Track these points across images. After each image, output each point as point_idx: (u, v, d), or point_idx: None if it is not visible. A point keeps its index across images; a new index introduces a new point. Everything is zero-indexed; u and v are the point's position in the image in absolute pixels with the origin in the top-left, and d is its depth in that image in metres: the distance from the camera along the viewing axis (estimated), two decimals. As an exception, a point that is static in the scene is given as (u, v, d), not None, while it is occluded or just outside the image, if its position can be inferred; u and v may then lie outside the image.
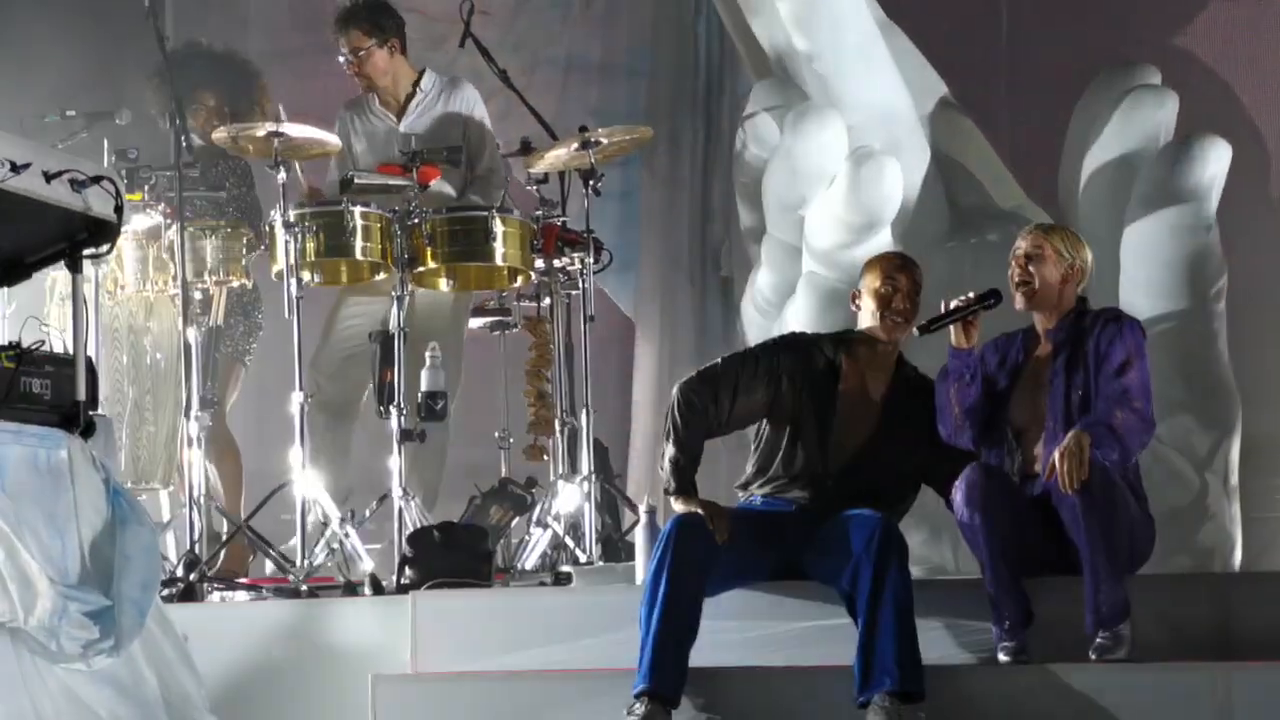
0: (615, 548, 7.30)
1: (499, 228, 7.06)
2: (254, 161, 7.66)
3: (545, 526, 7.15)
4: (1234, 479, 6.79)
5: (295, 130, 7.07)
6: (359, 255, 7.04)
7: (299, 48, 9.46)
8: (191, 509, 7.07)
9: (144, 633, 5.41)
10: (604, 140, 7.23)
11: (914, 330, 5.93)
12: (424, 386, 7.09)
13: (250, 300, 7.80)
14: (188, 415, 7.13)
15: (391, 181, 7.23)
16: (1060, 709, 5.55)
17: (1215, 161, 6.84)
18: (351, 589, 6.75)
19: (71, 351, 5.46)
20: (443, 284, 7.35)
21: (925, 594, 5.72)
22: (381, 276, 7.23)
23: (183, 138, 7.21)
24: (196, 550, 6.99)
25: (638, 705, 5.54)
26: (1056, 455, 5.57)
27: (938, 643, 5.79)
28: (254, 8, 9.78)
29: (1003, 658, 5.69)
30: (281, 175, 6.98)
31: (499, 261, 7.13)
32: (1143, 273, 6.84)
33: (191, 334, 7.14)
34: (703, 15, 9.01)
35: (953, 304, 5.87)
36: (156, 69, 7.58)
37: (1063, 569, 5.69)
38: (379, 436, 7.17)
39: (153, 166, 7.27)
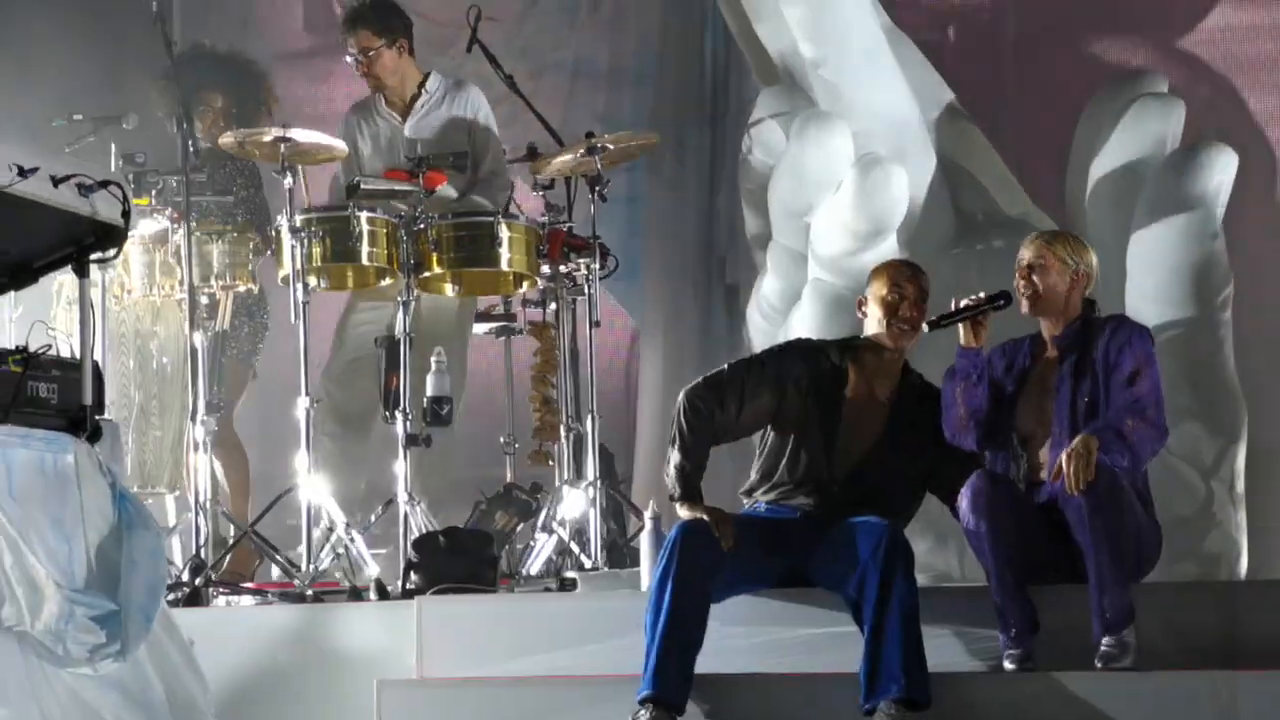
0: (620, 553, 7.30)
1: (505, 233, 7.06)
2: (261, 165, 7.68)
3: (550, 532, 7.15)
4: (1240, 486, 6.79)
5: (302, 135, 7.07)
6: (365, 260, 7.03)
7: (309, 49, 9.48)
8: (197, 513, 7.07)
9: (150, 637, 5.41)
10: (610, 146, 7.23)
11: (924, 325, 5.93)
12: (429, 392, 7.09)
13: (255, 304, 7.80)
14: (194, 420, 7.13)
15: (397, 187, 7.23)
16: (1065, 716, 5.56)
17: (1222, 169, 6.85)
18: (357, 594, 6.75)
19: (78, 356, 5.46)
20: (448, 289, 7.35)
21: (931, 601, 5.72)
22: (387, 282, 7.22)
23: (189, 142, 7.22)
24: (202, 555, 6.99)
25: (643, 711, 5.54)
26: (1064, 457, 5.57)
27: (943, 650, 5.78)
28: (264, 10, 9.79)
29: (1008, 665, 5.69)
30: (288, 180, 6.98)
31: (505, 267, 7.13)
32: (1149, 280, 6.84)
33: (198, 338, 7.14)
34: (709, 22, 9.01)
35: (963, 303, 5.88)
36: (163, 73, 7.59)
37: (1068, 576, 5.69)
38: (386, 442, 7.17)
39: (160, 171, 7.27)
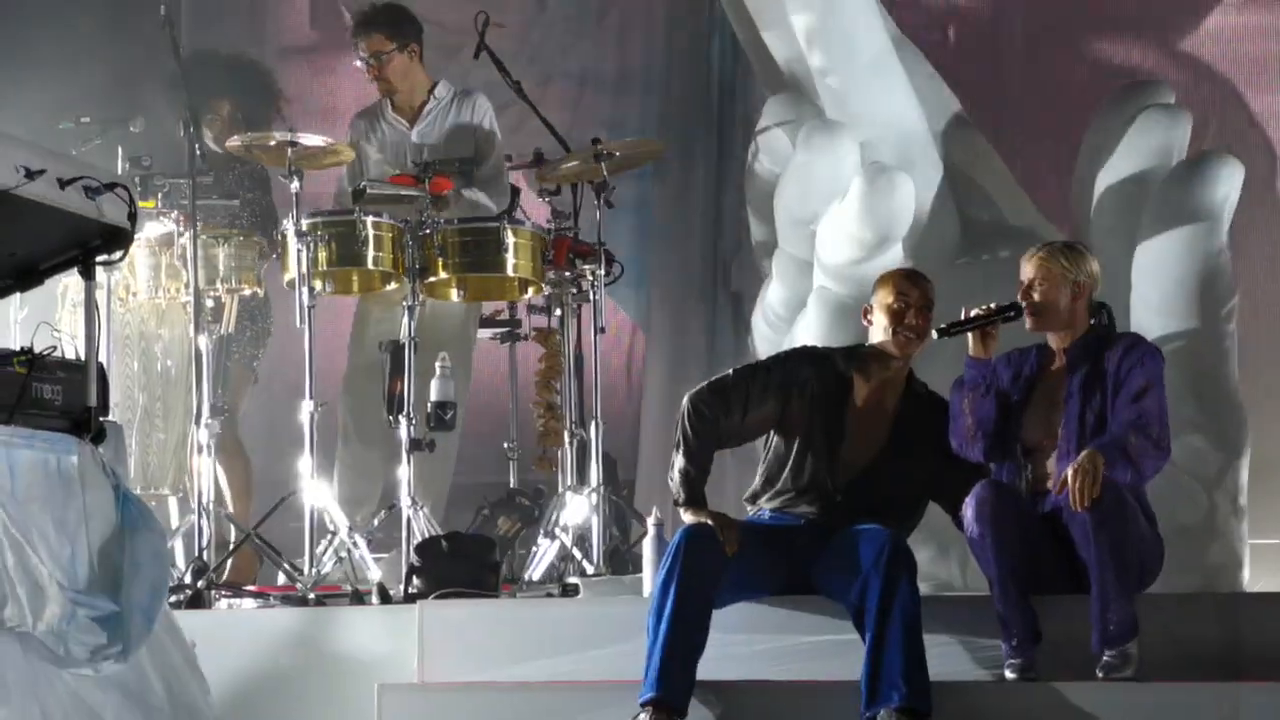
0: (622, 559, 7.31)
1: (510, 239, 7.07)
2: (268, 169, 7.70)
3: (553, 537, 7.15)
4: (1243, 498, 6.78)
5: (308, 139, 7.08)
6: (370, 265, 7.05)
7: (314, 44, 9.49)
8: (200, 516, 7.08)
9: (152, 639, 5.41)
10: (616, 153, 7.24)
11: (933, 333, 5.93)
12: (434, 396, 7.10)
13: (259, 307, 7.81)
14: (198, 422, 7.14)
15: (404, 192, 7.24)
16: (1067, 727, 5.57)
17: (1228, 181, 6.84)
18: (359, 598, 6.76)
19: (83, 357, 5.47)
20: (454, 294, 7.36)
21: (933, 610, 5.71)
22: (393, 286, 7.24)
23: (196, 145, 7.23)
24: (205, 557, 7.00)
25: (643, 714, 5.54)
26: (1069, 471, 5.56)
27: (945, 659, 5.78)
28: (270, 4, 9.79)
29: (1010, 675, 5.69)
30: (295, 184, 6.99)
31: (510, 272, 7.14)
32: (1155, 291, 6.83)
33: (203, 341, 7.15)
34: (716, 29, 9.02)
35: (973, 312, 5.88)
36: (171, 76, 7.60)
37: (1071, 587, 5.69)
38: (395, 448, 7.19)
39: (166, 174, 7.28)
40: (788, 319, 7.44)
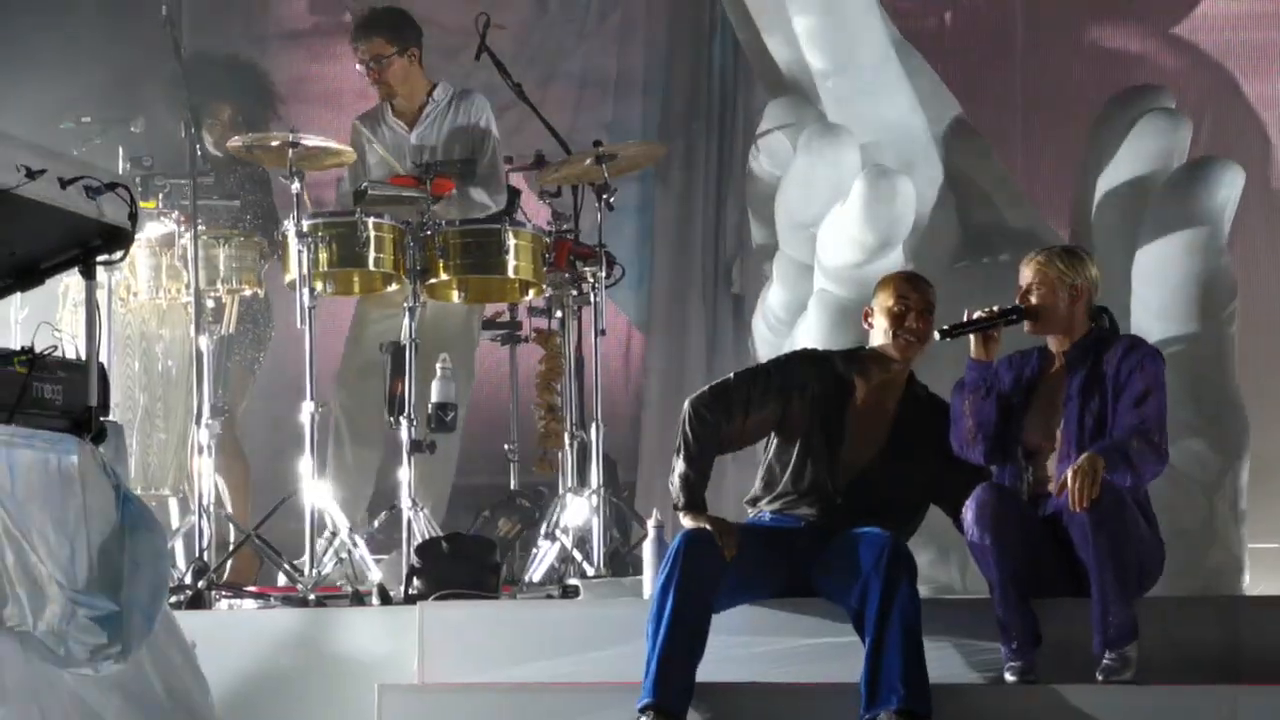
0: (622, 561, 7.31)
1: (512, 240, 7.08)
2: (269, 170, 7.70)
3: (553, 539, 7.16)
4: (1243, 502, 6.78)
5: (309, 140, 7.09)
6: (371, 266, 7.05)
7: (313, 29, 9.49)
8: (201, 517, 7.08)
9: (152, 639, 5.42)
10: (617, 155, 7.25)
11: (935, 334, 5.94)
12: (434, 398, 7.10)
13: (260, 308, 7.82)
14: (198, 423, 7.14)
15: (405, 193, 7.24)
16: (1066, 730, 5.57)
17: (1228, 185, 6.83)
18: (359, 599, 6.76)
19: (84, 357, 5.47)
20: (455, 296, 7.36)
21: (933, 613, 5.71)
22: (394, 288, 7.24)
23: (197, 146, 7.23)
24: (205, 558, 7.00)
25: (643, 719, 5.54)
26: (1069, 474, 5.56)
27: (945, 661, 5.78)
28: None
29: (1010, 678, 5.69)
30: (295, 185, 7.00)
31: (511, 274, 7.14)
32: (1155, 295, 6.83)
33: (203, 342, 7.15)
34: (718, 32, 9.02)
35: (976, 314, 5.88)
36: (173, 76, 7.61)
37: (1072, 590, 5.69)
38: (395, 449, 7.19)
39: (167, 174, 7.29)
40: (788, 322, 7.44)
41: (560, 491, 7.40)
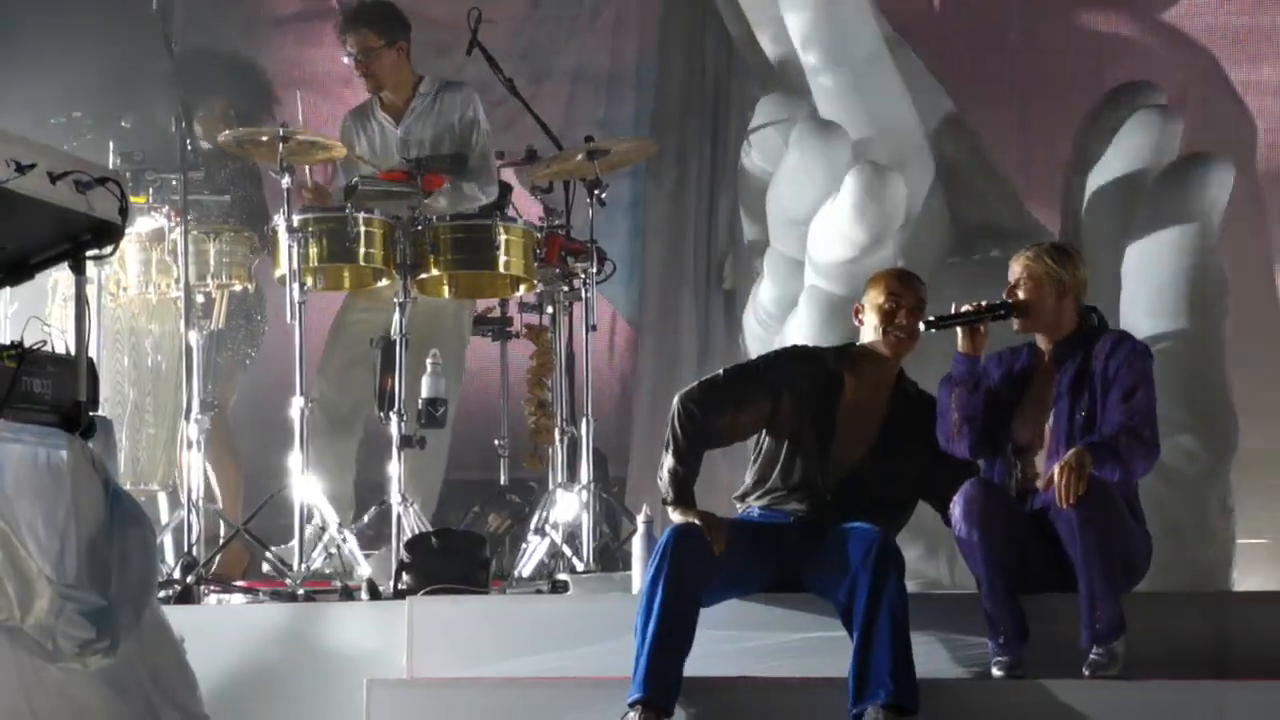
0: (612, 557, 7.32)
1: (502, 236, 7.08)
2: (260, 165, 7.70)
3: (543, 535, 7.16)
4: (1231, 498, 6.80)
5: (300, 135, 7.08)
6: (362, 261, 7.05)
7: (299, 13, 9.47)
8: (190, 511, 7.08)
9: (141, 633, 5.42)
10: (609, 151, 7.25)
11: (920, 325, 5.94)
12: (425, 393, 7.10)
13: (252, 303, 7.81)
14: (188, 418, 7.14)
15: (395, 188, 7.24)
16: (1053, 725, 5.57)
17: (1218, 182, 6.85)
18: (348, 594, 6.76)
19: (73, 352, 5.47)
20: (445, 291, 7.36)
21: (921, 608, 5.72)
22: (384, 283, 7.24)
23: (188, 141, 7.22)
24: (194, 553, 7.00)
25: (632, 714, 5.54)
26: (1056, 469, 5.57)
27: (933, 656, 5.79)
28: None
29: (997, 673, 5.69)
30: (286, 180, 6.99)
31: (502, 270, 7.14)
32: (1145, 292, 6.84)
33: (193, 337, 7.15)
34: (710, 28, 9.02)
35: (964, 308, 5.88)
36: (165, 72, 7.60)
37: (1060, 585, 5.69)
38: (375, 442, 7.19)
39: (158, 169, 7.28)
40: (779, 318, 7.45)
41: (550, 487, 7.40)
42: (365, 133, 7.78)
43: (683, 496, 5.89)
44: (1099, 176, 7.20)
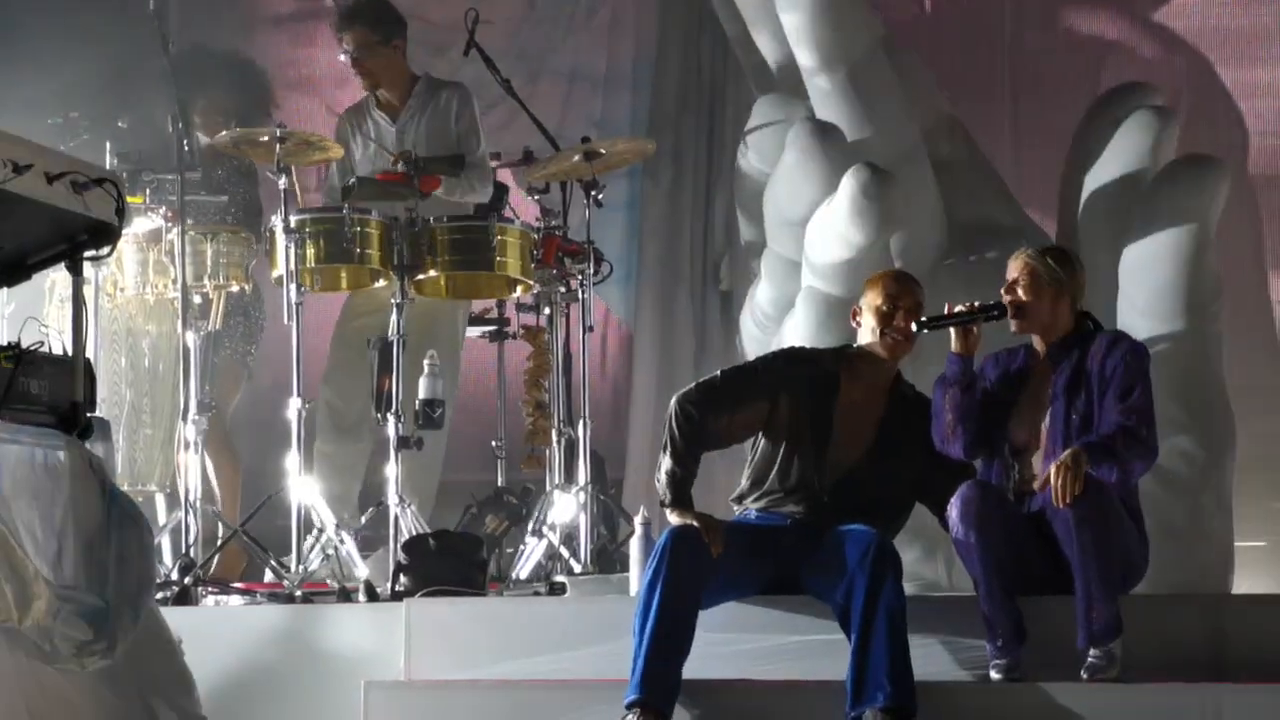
0: (609, 558, 7.31)
1: (499, 237, 7.07)
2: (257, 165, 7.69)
3: (540, 536, 7.16)
4: (1229, 499, 6.79)
5: (297, 135, 7.08)
6: (359, 262, 7.04)
7: (293, 13, 9.46)
8: (187, 513, 7.07)
9: (138, 635, 5.41)
10: (605, 151, 7.25)
11: (912, 325, 5.95)
12: (422, 394, 7.10)
13: (250, 302, 7.81)
14: (185, 419, 7.13)
15: (392, 188, 7.23)
16: (1052, 727, 5.57)
17: (1214, 183, 6.85)
18: (346, 595, 6.75)
19: (70, 353, 5.46)
20: (442, 292, 7.35)
21: (919, 610, 5.72)
22: (381, 284, 7.23)
23: (184, 141, 7.22)
24: (192, 554, 6.99)
25: (629, 716, 5.54)
26: (1052, 469, 5.58)
27: (931, 659, 5.79)
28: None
29: (995, 675, 5.70)
30: (283, 180, 6.99)
31: (499, 271, 7.14)
32: (1141, 293, 6.84)
33: (190, 338, 7.14)
34: (707, 29, 9.01)
35: (957, 308, 5.89)
36: (162, 72, 7.59)
37: (1057, 587, 5.69)
38: (380, 446, 7.18)
39: (154, 170, 7.27)
40: (776, 319, 7.45)
41: (548, 488, 7.40)
42: (361, 131, 7.78)
43: (680, 498, 5.89)
44: (1096, 177, 7.20)
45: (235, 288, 7.40)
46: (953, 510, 5.70)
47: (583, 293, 7.33)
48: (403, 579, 6.64)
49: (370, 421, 7.39)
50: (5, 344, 5.33)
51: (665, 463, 5.95)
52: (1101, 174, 7.16)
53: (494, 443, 8.03)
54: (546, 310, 7.65)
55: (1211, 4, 8.83)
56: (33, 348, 5.32)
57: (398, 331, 7.00)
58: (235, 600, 6.92)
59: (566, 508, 7.17)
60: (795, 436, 6.01)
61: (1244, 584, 7.03)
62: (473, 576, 6.68)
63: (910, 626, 5.60)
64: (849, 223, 6.95)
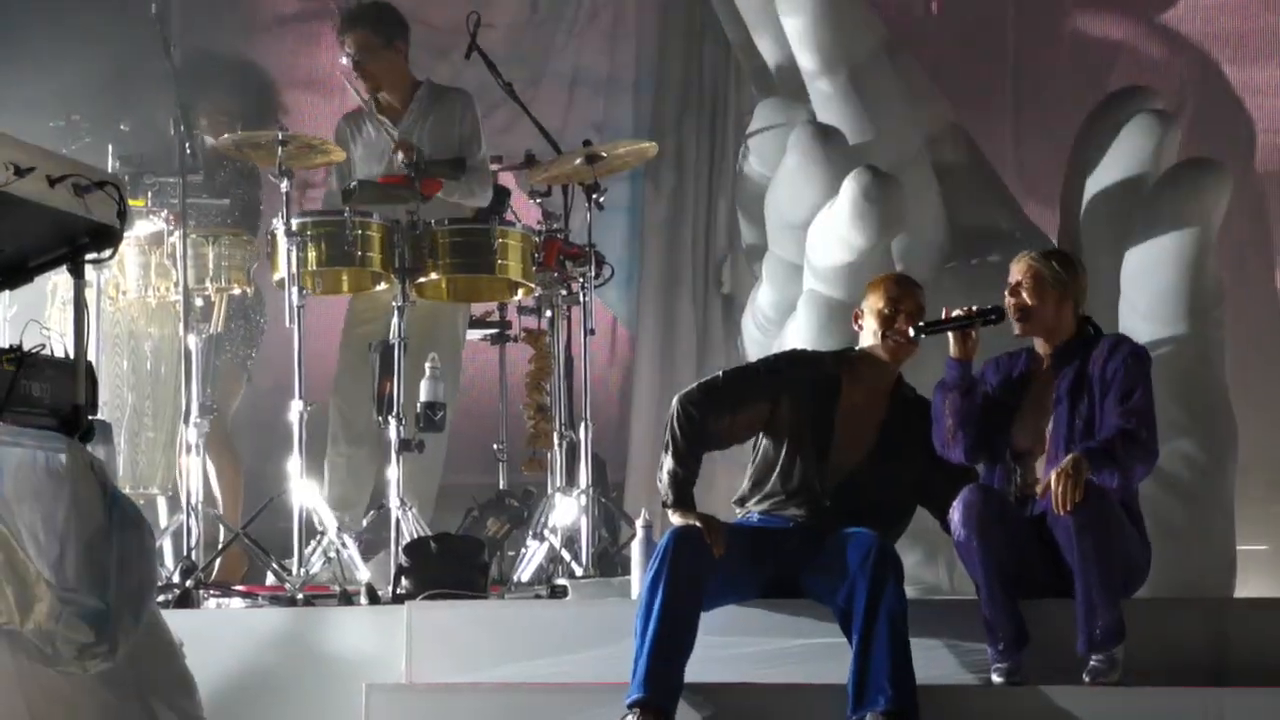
0: (611, 561, 7.31)
1: (501, 240, 7.08)
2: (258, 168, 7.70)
3: (542, 539, 7.16)
4: (1231, 504, 6.79)
5: (298, 138, 7.08)
6: (360, 265, 7.04)
7: (297, 13, 9.45)
8: (189, 516, 7.07)
9: (140, 638, 5.41)
10: (607, 155, 7.25)
11: (910, 330, 5.95)
12: (423, 397, 7.10)
13: (252, 304, 7.81)
14: (186, 422, 7.13)
15: (393, 192, 7.23)
16: (1053, 731, 5.57)
17: (1216, 187, 6.85)
18: (347, 598, 6.75)
19: (72, 356, 5.46)
20: (444, 295, 7.36)
21: (920, 614, 5.72)
22: (382, 287, 7.23)
23: (186, 144, 7.22)
24: (193, 557, 6.99)
25: (630, 716, 5.54)
26: (1053, 476, 5.57)
27: (932, 662, 5.79)
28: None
29: (997, 679, 5.69)
30: (285, 184, 6.99)
31: (500, 274, 7.14)
32: (1143, 297, 6.84)
33: (192, 340, 7.15)
34: (708, 32, 9.01)
35: (955, 313, 5.89)
36: (164, 75, 7.59)
37: (1059, 591, 5.69)
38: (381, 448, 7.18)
39: (156, 173, 7.28)
40: (777, 322, 7.45)
41: (549, 491, 7.40)
42: (361, 135, 7.78)
43: (682, 499, 5.89)
44: (1098, 181, 7.19)
45: (237, 290, 7.41)
46: (954, 514, 5.70)
47: (584, 296, 7.33)
48: (404, 582, 6.64)
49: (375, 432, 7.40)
50: (7, 347, 5.34)
51: (667, 463, 5.95)
52: (1103, 178, 7.16)
53: (495, 445, 8.03)
54: (548, 313, 7.65)
55: (1218, 4, 8.82)
56: (34, 350, 5.33)
57: (399, 334, 7.00)
58: (237, 603, 6.92)
59: (568, 511, 7.17)
60: (796, 439, 6.01)
61: (1246, 588, 7.02)
62: (474, 579, 6.67)
63: (911, 630, 5.60)
64: (850, 226, 6.95)
